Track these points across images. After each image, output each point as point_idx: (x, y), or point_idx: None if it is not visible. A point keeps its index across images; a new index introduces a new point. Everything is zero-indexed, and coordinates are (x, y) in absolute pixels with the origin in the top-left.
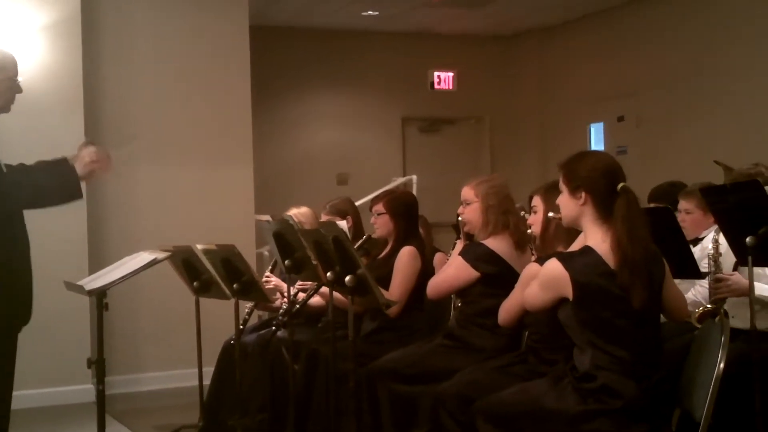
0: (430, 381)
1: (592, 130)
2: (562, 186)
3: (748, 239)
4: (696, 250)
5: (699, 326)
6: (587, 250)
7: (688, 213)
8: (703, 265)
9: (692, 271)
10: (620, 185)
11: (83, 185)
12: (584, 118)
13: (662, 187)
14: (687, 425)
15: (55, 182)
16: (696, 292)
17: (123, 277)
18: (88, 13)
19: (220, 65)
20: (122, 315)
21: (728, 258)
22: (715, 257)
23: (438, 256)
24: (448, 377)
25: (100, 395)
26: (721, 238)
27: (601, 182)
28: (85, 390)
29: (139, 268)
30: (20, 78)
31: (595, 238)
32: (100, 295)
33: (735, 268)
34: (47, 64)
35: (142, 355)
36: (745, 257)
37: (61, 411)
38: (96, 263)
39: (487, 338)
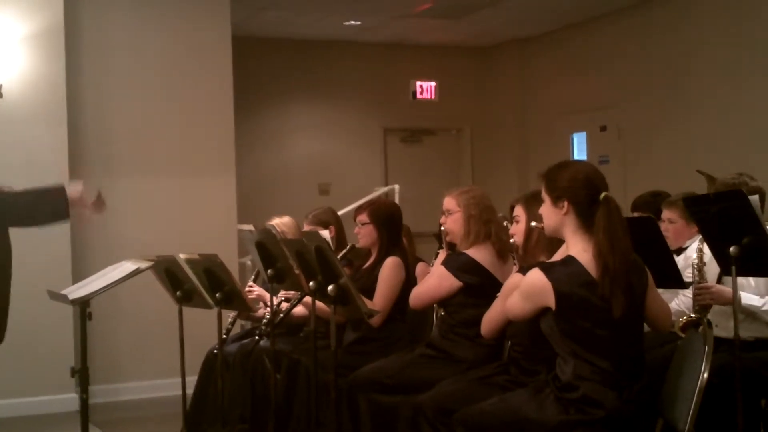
0: (411, 391)
1: (575, 139)
2: (545, 195)
3: (731, 249)
4: (679, 260)
5: (682, 336)
6: (569, 260)
7: (671, 222)
8: (687, 275)
9: (675, 281)
10: (602, 195)
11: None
12: (565, 128)
13: (645, 197)
14: None
15: (43, 202)
16: (680, 301)
17: (106, 286)
18: (70, 24)
19: (203, 76)
20: (105, 324)
21: (712, 267)
22: (700, 266)
23: (420, 266)
24: (429, 387)
25: (84, 404)
26: (706, 248)
27: (582, 192)
28: (68, 399)
29: (122, 278)
30: None
31: (577, 247)
32: (83, 305)
33: (719, 279)
34: (30, 75)
35: (125, 364)
36: (728, 267)
37: (43, 420)
38: (79, 273)
39: (469, 348)
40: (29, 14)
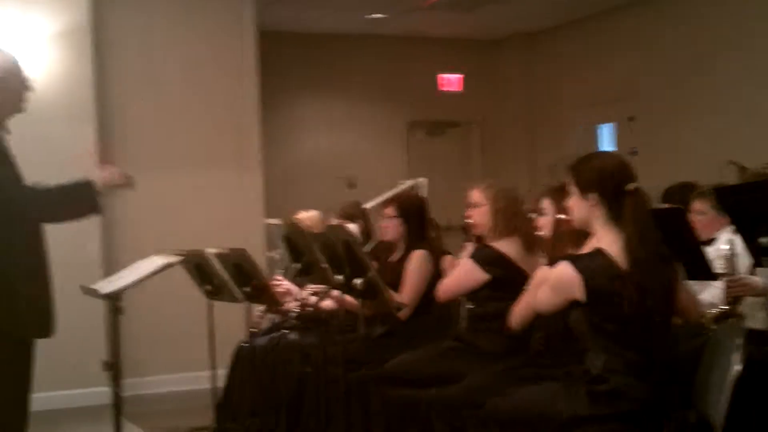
0: (438, 384)
1: (603, 131)
2: (572, 188)
3: (763, 240)
4: (710, 251)
5: (714, 328)
6: (598, 252)
7: (701, 214)
8: (717, 267)
9: (705, 273)
10: (631, 186)
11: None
12: (581, 120)
13: (674, 188)
14: (702, 429)
15: (75, 196)
16: (710, 293)
17: (137, 280)
18: (97, 22)
19: (228, 71)
20: (136, 318)
21: (744, 259)
22: (731, 258)
23: (447, 259)
24: (457, 380)
25: (116, 397)
26: (737, 239)
27: (611, 183)
28: (100, 392)
29: (152, 272)
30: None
31: (606, 239)
32: (114, 299)
33: (752, 270)
34: (57, 73)
35: (156, 358)
36: (760, 258)
37: (77, 413)
38: (110, 268)
39: (496, 341)
40: (56, 13)
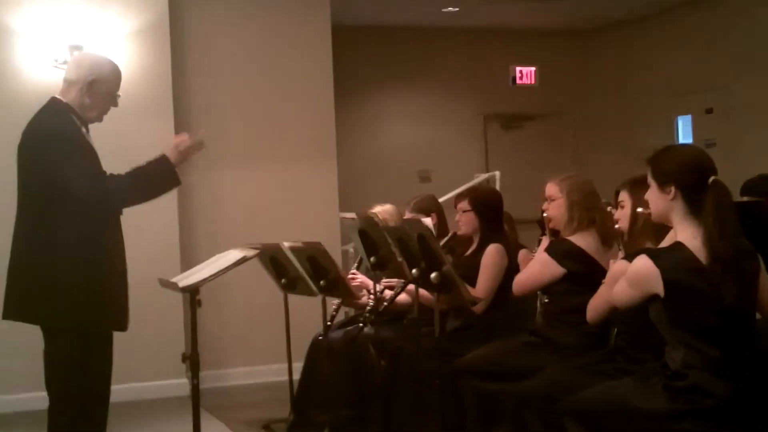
0: (514, 379)
1: (679, 123)
2: (651, 181)
3: None
4: None
5: None
6: (677, 246)
7: None
8: None
9: None
10: (711, 179)
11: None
12: (667, 111)
13: (754, 181)
14: None
15: (154, 175)
16: None
17: (214, 274)
18: (174, 19)
19: (304, 66)
20: (213, 311)
21: None
22: None
23: (522, 253)
24: (532, 375)
25: (195, 389)
26: None
27: (690, 176)
28: (179, 384)
29: (229, 266)
30: (119, 93)
31: (686, 233)
32: (192, 292)
33: None
34: (136, 70)
35: (233, 350)
36: None
37: (156, 404)
38: (187, 261)
39: (573, 336)
40: (135, 10)
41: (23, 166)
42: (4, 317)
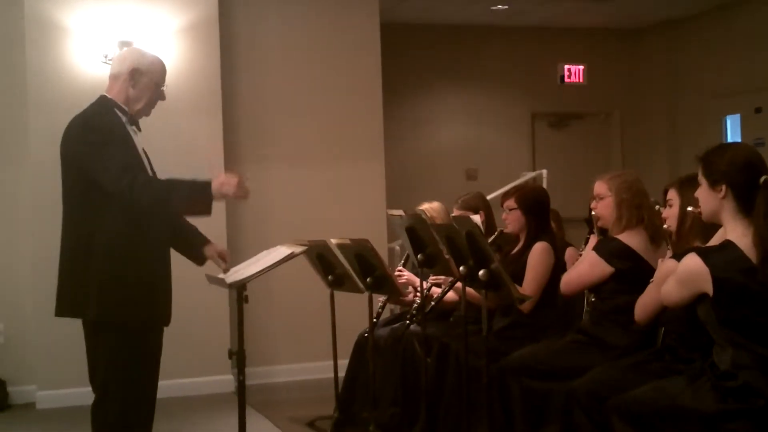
0: (562, 378)
1: (728, 122)
2: (701, 179)
3: None
4: None
5: None
6: (728, 245)
7: None
8: None
9: None
10: (763, 178)
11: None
12: (716, 111)
13: None
14: None
15: (191, 192)
16: None
17: (261, 270)
18: (224, 16)
19: (353, 63)
20: (260, 308)
21: None
22: None
23: (569, 251)
24: (580, 374)
25: (241, 385)
26: None
27: (742, 175)
28: (225, 380)
29: (276, 262)
30: (165, 87)
31: (736, 232)
32: (240, 288)
33: None
34: (185, 67)
35: (279, 347)
36: None
37: (202, 400)
38: (234, 258)
39: (621, 335)
40: (184, 7)
41: (62, 159)
42: (57, 314)
